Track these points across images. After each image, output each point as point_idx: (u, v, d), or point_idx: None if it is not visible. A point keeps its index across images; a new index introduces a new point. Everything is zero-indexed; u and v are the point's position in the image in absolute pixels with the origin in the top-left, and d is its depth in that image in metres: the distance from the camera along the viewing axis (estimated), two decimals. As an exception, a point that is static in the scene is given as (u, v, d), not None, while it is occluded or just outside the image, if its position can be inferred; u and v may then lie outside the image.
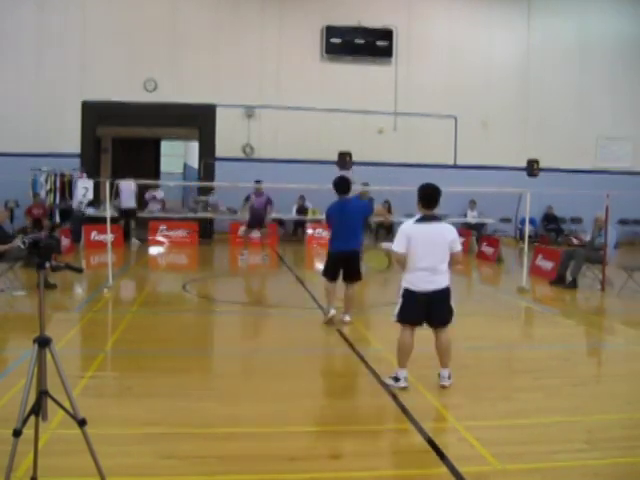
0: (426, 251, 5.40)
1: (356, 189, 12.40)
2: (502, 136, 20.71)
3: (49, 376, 3.44)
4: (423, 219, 5.49)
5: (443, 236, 5.48)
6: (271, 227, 18.57)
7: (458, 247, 5.55)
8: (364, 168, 19.04)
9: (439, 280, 5.46)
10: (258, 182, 14.44)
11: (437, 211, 5.61)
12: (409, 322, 5.58)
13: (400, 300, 5.58)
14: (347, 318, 8.09)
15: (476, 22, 20.62)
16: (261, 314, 9.51)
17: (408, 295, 5.52)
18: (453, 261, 5.57)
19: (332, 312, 8.01)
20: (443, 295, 5.50)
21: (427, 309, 5.52)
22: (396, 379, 5.57)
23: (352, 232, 7.93)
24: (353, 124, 19.79)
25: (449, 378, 5.64)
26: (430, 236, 5.43)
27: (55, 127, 18.31)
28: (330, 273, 8.06)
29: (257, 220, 14.39)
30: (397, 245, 5.49)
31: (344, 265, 7.98)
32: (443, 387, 5.62)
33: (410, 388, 5.58)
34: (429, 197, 5.51)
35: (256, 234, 15.08)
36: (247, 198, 14.55)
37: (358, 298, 8.98)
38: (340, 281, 8.15)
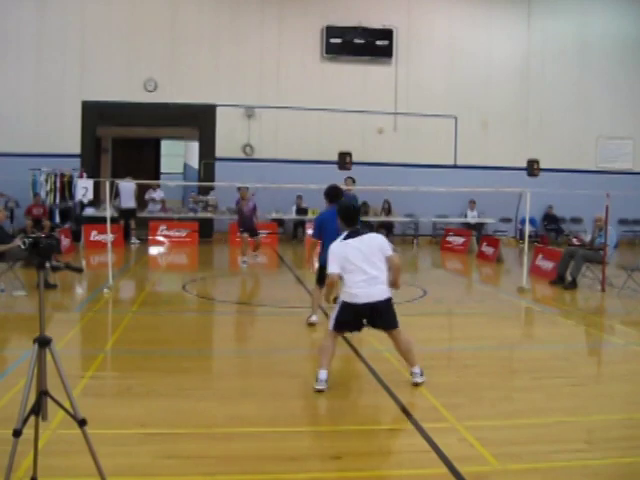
0: (363, 264, 5.39)
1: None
2: (502, 136, 20.71)
3: (49, 376, 3.44)
4: (351, 235, 5.52)
5: (373, 245, 5.49)
6: (271, 227, 18.61)
7: (389, 251, 5.52)
8: (364, 168, 19.06)
9: (379, 292, 5.41)
10: (245, 188, 13.53)
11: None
12: (344, 332, 5.66)
13: (337, 309, 5.56)
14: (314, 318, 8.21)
15: (476, 22, 20.61)
16: (261, 314, 9.50)
17: (346, 307, 5.48)
18: (393, 266, 5.50)
19: (314, 318, 8.14)
20: (385, 306, 5.47)
21: (369, 319, 5.52)
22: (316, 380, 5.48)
23: None
24: (353, 124, 19.79)
25: (422, 375, 5.62)
26: (363, 249, 5.44)
27: (55, 127, 18.31)
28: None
29: (247, 226, 13.71)
30: (332, 267, 5.43)
31: None
32: (417, 384, 5.58)
33: (410, 388, 5.58)
34: (353, 216, 5.66)
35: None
36: (237, 202, 13.96)
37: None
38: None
